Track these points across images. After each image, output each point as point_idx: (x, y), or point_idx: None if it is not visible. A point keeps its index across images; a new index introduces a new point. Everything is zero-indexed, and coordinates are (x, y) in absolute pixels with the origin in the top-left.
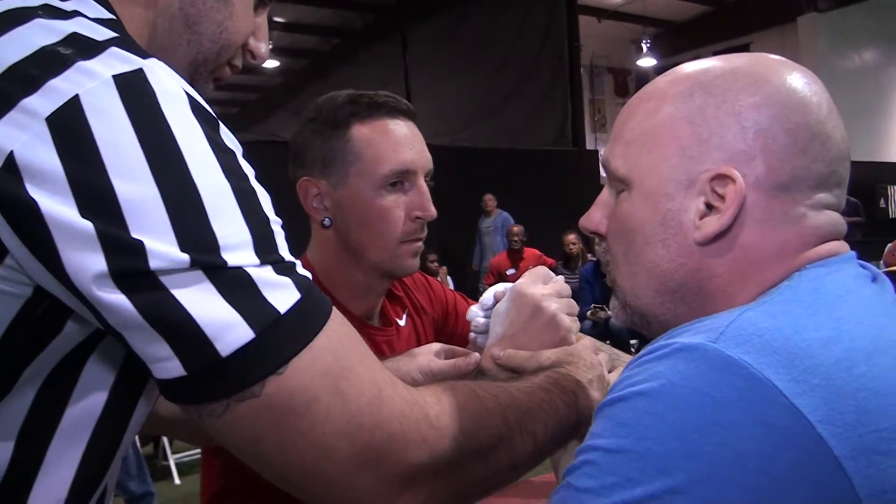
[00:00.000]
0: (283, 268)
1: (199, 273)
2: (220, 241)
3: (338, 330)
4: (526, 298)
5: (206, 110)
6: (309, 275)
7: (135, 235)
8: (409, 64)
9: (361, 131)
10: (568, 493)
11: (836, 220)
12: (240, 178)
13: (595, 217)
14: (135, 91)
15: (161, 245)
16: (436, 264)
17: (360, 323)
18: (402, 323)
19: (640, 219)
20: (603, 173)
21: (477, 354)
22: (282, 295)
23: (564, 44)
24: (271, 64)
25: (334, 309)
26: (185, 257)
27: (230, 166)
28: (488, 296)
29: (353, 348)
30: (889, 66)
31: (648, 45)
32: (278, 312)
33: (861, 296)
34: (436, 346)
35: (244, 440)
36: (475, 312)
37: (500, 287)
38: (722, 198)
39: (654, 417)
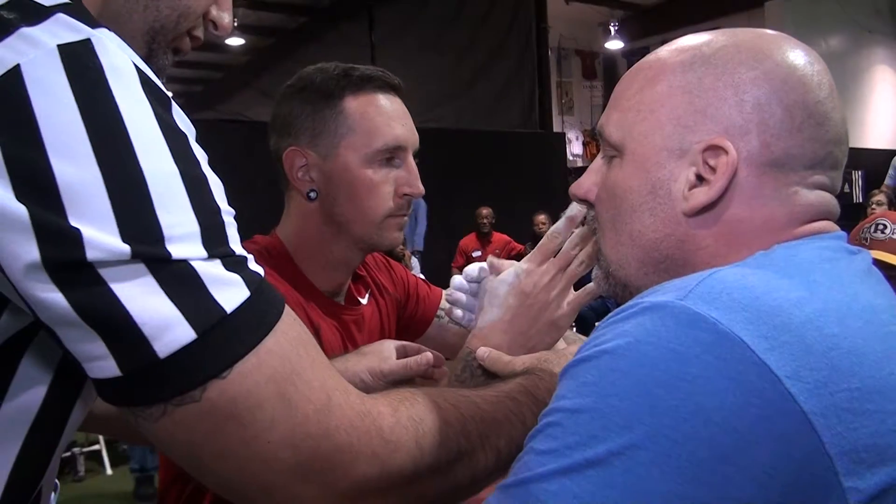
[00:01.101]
0: (232, 262)
1: (141, 266)
2: (165, 232)
3: (288, 332)
4: (527, 284)
5: (158, 87)
6: (261, 271)
7: (73, 223)
8: (375, 43)
9: (354, 104)
10: (530, 458)
11: (828, 200)
12: (190, 164)
13: (585, 184)
14: (80, 63)
15: (100, 234)
16: (402, 248)
17: (328, 302)
18: (364, 302)
19: (630, 186)
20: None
21: (429, 354)
22: (229, 293)
23: (532, 25)
24: (236, 42)
25: (287, 308)
26: (126, 248)
27: (180, 150)
28: (473, 269)
29: (304, 352)
30: (856, 52)
31: (616, 28)
32: (224, 312)
33: (837, 264)
34: (389, 343)
35: (182, 446)
36: (461, 284)
37: (504, 263)
38: (713, 170)
39: (617, 374)
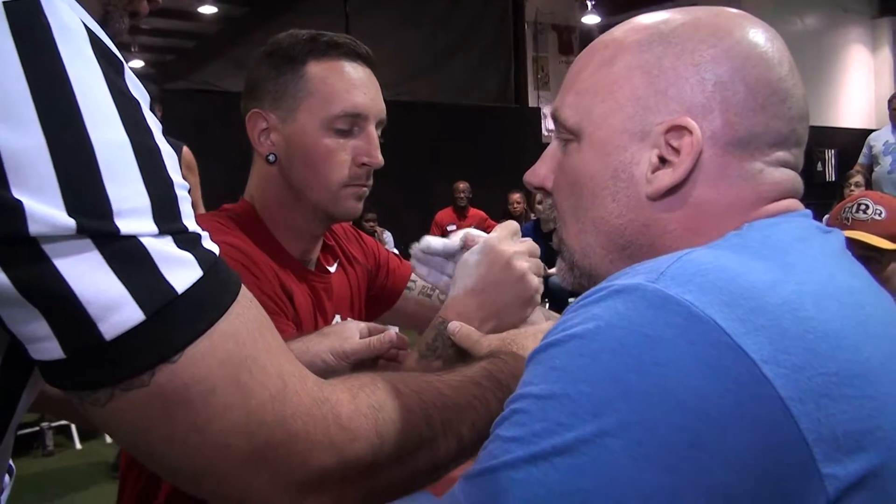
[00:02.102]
0: (185, 239)
1: (87, 241)
2: (114, 206)
3: (244, 314)
4: (497, 253)
5: (110, 51)
6: (216, 249)
7: (14, 194)
8: (349, 13)
9: (316, 69)
10: (496, 445)
11: (793, 178)
12: (142, 133)
13: (541, 172)
14: (27, 23)
15: (44, 207)
16: (373, 224)
17: (300, 267)
18: (332, 270)
19: (590, 171)
20: (545, 131)
21: (392, 333)
22: (181, 272)
23: None
24: (209, 10)
25: (244, 289)
26: (72, 223)
27: (132, 119)
28: (456, 239)
29: (259, 335)
30: (831, 32)
31: (593, 2)
32: (175, 292)
33: (811, 244)
34: (352, 324)
35: (130, 432)
36: (432, 247)
37: (474, 233)
38: (676, 151)
39: (587, 359)
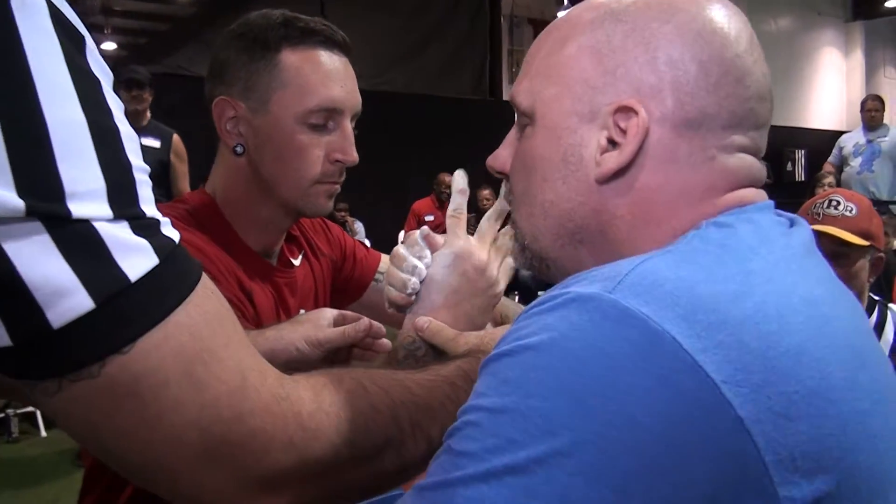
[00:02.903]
0: (142, 225)
1: (37, 224)
2: (67, 187)
3: (202, 304)
4: (473, 264)
5: (72, 25)
6: (176, 236)
7: None
8: (325, 0)
9: (291, 58)
10: (448, 459)
11: (750, 164)
12: (100, 113)
13: (501, 156)
14: None
15: None
16: (344, 214)
17: (261, 262)
18: (297, 263)
19: (541, 154)
20: None
21: (367, 320)
22: (135, 259)
23: None
24: None
25: (204, 279)
26: (21, 204)
27: (90, 97)
28: (418, 240)
29: (218, 327)
30: (803, 33)
31: None
32: (127, 280)
33: (774, 248)
34: (328, 312)
35: (80, 424)
36: (407, 263)
37: (438, 240)
38: (624, 132)
39: (540, 373)
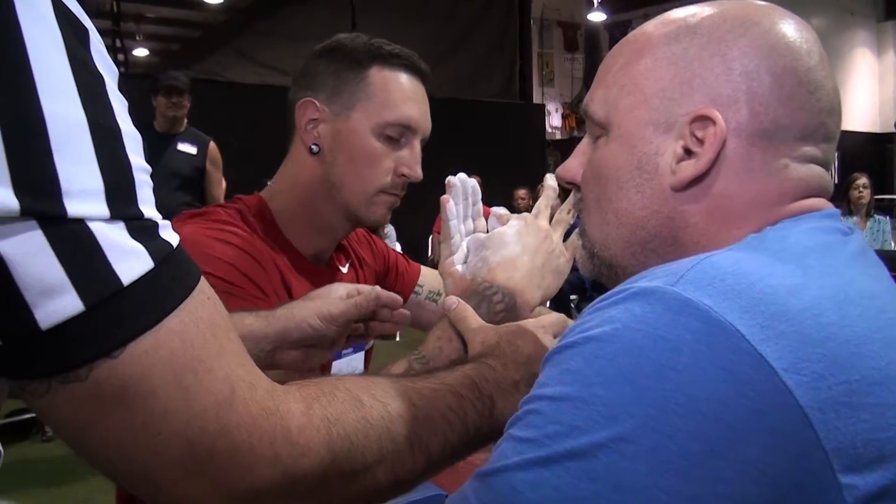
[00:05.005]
0: (139, 227)
1: (32, 222)
2: (63, 185)
3: (197, 311)
4: (538, 226)
5: (77, 19)
6: (175, 239)
7: None
8: (356, 6)
9: (379, 74)
10: (508, 445)
11: (820, 174)
12: (101, 111)
13: (571, 166)
14: None
15: None
16: None
17: (307, 264)
18: (344, 270)
19: (616, 163)
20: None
21: (378, 289)
22: (129, 261)
23: None
24: (215, 0)
25: (202, 285)
26: (16, 203)
27: (92, 94)
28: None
29: (212, 336)
30: (837, 33)
31: (600, 0)
32: (120, 283)
33: (831, 247)
34: (339, 286)
35: (67, 427)
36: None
37: (501, 210)
38: (701, 142)
39: (602, 362)
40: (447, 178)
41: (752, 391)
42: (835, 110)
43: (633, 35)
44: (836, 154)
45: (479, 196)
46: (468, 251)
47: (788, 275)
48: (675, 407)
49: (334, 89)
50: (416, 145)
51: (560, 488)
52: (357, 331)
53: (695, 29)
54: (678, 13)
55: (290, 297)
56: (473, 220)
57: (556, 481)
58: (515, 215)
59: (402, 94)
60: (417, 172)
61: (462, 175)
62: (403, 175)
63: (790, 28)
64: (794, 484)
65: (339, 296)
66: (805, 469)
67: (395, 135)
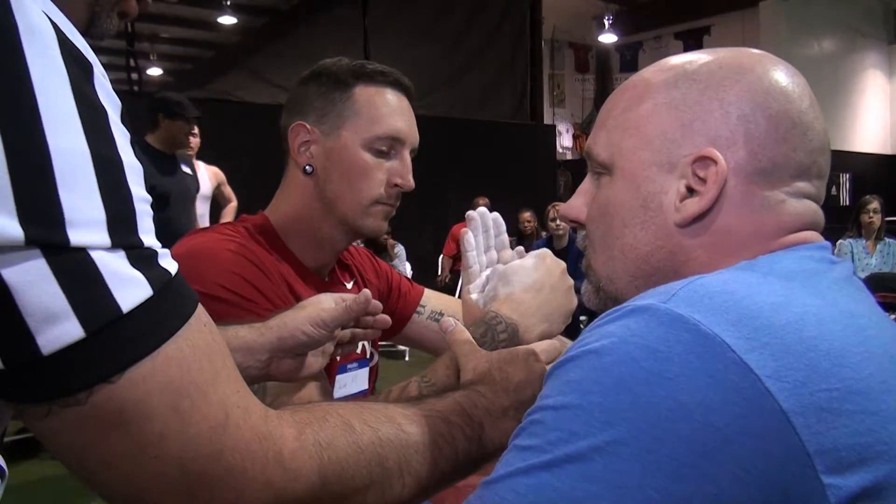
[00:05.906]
0: (139, 256)
1: (36, 251)
2: (67, 215)
3: (193, 338)
4: (555, 262)
5: (81, 54)
6: (174, 268)
7: None
8: (368, 27)
9: (364, 92)
10: (512, 454)
11: (814, 210)
12: (104, 143)
13: (575, 205)
14: None
15: None
16: (386, 237)
17: (313, 276)
18: (349, 287)
19: (621, 202)
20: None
21: (367, 293)
22: (129, 289)
23: (526, 15)
24: (228, 21)
25: (199, 312)
26: (21, 234)
27: (95, 127)
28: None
29: (208, 362)
30: (848, 55)
31: (611, 21)
32: (120, 310)
33: (816, 272)
34: (326, 295)
35: (66, 449)
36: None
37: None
38: (703, 181)
39: (600, 372)
40: (467, 213)
41: (737, 397)
42: (825, 149)
43: (631, 81)
44: (847, 175)
45: (503, 228)
46: (487, 280)
47: (773, 293)
48: (667, 412)
49: (322, 111)
50: (406, 156)
51: (560, 490)
52: (344, 339)
53: (693, 76)
54: (675, 60)
55: None
56: (498, 252)
57: (556, 483)
58: (534, 252)
59: (388, 108)
60: (409, 182)
61: (482, 209)
62: (396, 185)
63: (782, 74)
64: (780, 484)
65: (328, 303)
66: (789, 470)
67: (385, 147)
